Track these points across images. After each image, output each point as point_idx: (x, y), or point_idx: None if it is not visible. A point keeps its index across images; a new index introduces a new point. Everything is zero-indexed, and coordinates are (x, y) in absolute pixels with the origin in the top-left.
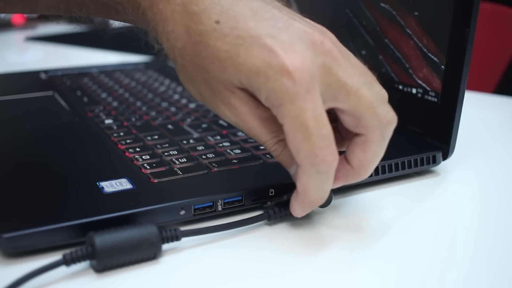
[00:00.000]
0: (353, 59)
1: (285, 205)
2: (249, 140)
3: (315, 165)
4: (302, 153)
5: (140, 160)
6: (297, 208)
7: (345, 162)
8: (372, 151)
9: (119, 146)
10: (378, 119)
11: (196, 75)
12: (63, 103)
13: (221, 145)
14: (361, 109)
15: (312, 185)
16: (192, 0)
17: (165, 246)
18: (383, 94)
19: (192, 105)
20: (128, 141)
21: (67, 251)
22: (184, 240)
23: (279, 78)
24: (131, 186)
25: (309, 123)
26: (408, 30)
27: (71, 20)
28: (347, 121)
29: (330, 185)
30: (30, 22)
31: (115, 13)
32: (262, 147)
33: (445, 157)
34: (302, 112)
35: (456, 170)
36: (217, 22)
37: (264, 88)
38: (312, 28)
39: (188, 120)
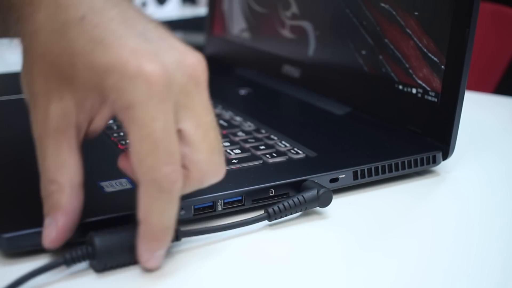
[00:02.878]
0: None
1: (285, 203)
2: (249, 140)
3: (157, 181)
4: (144, 166)
5: None
6: (142, 248)
7: None
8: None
9: (119, 146)
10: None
11: (36, 64)
12: None
13: None
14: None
15: (153, 207)
16: None
17: None
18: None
19: None
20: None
21: (68, 251)
22: (184, 240)
23: (134, 78)
24: (131, 186)
25: (158, 134)
26: (408, 30)
27: None
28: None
29: (174, 211)
30: None
31: None
32: (262, 147)
33: (445, 157)
34: (151, 120)
35: (456, 170)
36: (82, 18)
37: (114, 88)
38: (189, 51)
39: None
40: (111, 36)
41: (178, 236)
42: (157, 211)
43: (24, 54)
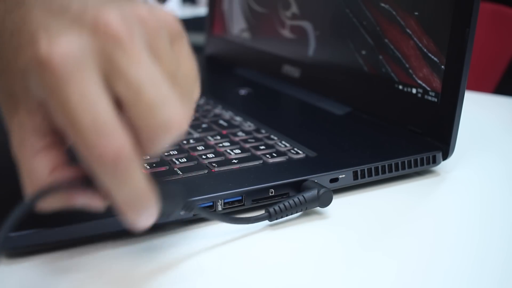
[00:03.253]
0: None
1: (286, 203)
2: (249, 140)
3: (100, 166)
4: (83, 153)
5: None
6: (129, 218)
7: None
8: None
9: None
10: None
11: None
12: None
13: (221, 145)
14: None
15: (111, 187)
16: None
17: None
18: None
19: None
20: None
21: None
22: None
23: (37, 71)
24: None
25: (75, 116)
26: (408, 30)
27: None
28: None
29: (134, 182)
30: None
31: None
32: (262, 147)
33: (445, 157)
34: (65, 104)
35: (456, 170)
36: (11, 34)
37: (33, 88)
38: (109, 8)
39: None
40: (25, 32)
41: (190, 207)
42: (114, 186)
43: None
